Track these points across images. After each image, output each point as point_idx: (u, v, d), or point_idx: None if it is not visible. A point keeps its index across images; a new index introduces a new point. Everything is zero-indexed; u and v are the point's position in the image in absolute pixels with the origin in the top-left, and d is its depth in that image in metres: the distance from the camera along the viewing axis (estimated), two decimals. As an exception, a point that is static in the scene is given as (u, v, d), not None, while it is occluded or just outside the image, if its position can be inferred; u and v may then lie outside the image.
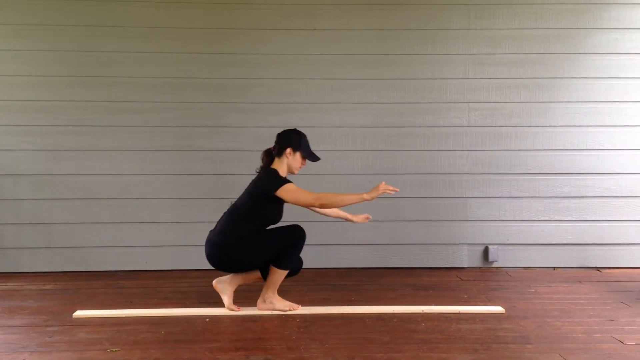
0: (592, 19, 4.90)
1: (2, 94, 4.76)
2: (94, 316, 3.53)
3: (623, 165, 4.91)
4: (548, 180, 4.92)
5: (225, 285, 3.61)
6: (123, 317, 3.50)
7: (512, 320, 3.45)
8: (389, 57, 4.89)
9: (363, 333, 3.20)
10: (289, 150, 3.56)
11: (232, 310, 3.57)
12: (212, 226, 3.62)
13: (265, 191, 3.47)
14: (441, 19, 4.89)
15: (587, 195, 4.91)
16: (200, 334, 3.21)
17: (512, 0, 4.89)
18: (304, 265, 3.69)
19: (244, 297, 3.71)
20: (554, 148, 4.91)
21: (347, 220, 3.82)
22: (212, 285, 3.68)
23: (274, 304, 3.57)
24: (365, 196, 3.47)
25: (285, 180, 3.50)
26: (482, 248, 4.94)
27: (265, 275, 3.57)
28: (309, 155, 3.61)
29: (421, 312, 3.59)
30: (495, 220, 4.93)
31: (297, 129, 3.66)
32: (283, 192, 3.45)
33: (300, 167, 3.62)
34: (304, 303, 3.71)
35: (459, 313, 3.58)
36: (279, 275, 3.50)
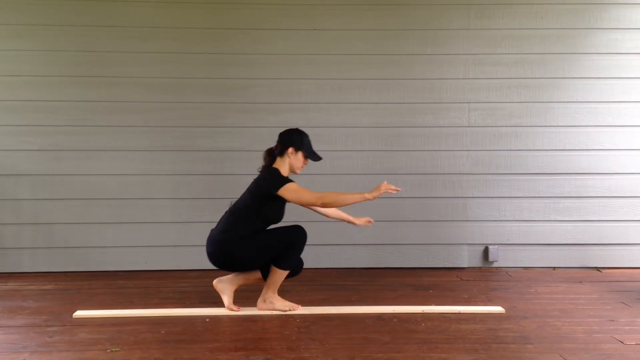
0: (592, 19, 4.90)
1: (2, 94, 4.76)
2: (94, 316, 3.53)
3: (623, 165, 4.91)
4: (548, 180, 4.92)
5: (225, 285, 3.61)
6: (123, 317, 3.50)
7: (512, 320, 3.45)
8: (389, 57, 4.89)
9: (363, 333, 3.20)
10: (291, 149, 3.56)
11: (232, 310, 3.57)
12: (212, 226, 3.62)
13: (267, 190, 3.47)
14: (441, 19, 4.89)
15: (587, 195, 4.91)
16: (201, 334, 3.21)
17: (512, 0, 4.89)
18: (304, 266, 3.69)
19: (244, 297, 3.71)
20: (554, 148, 4.91)
21: (348, 222, 3.81)
22: (212, 286, 3.68)
23: (274, 304, 3.57)
24: (367, 195, 3.47)
25: (287, 180, 3.50)
26: (482, 248, 4.94)
27: (265, 276, 3.57)
28: (311, 155, 3.61)
29: (421, 312, 3.59)
30: (496, 220, 4.93)
31: (299, 128, 3.66)
32: (285, 191, 3.45)
33: (302, 167, 3.62)
34: (304, 303, 3.71)
35: (459, 313, 3.58)
36: (279, 275, 3.50)
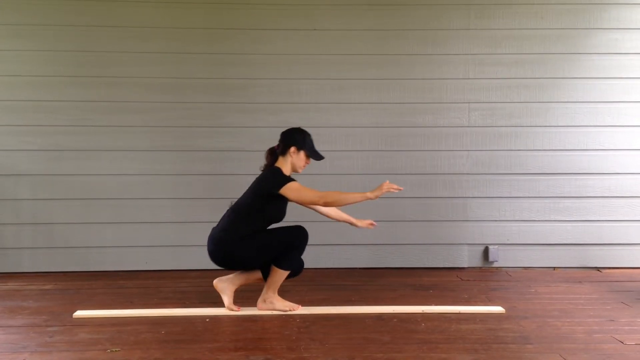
0: (592, 19, 4.90)
1: (3, 94, 4.76)
2: (94, 316, 3.53)
3: (623, 165, 4.91)
4: (548, 180, 4.92)
5: (226, 285, 3.61)
6: (123, 317, 3.50)
7: (512, 320, 3.45)
8: (389, 57, 4.90)
9: (363, 333, 3.20)
10: (293, 149, 3.56)
11: (232, 310, 3.57)
12: (212, 226, 3.62)
13: (269, 189, 3.47)
14: (441, 19, 4.89)
15: (587, 195, 4.91)
16: (201, 334, 3.21)
17: (512, 0, 4.89)
18: (304, 266, 3.69)
19: (244, 297, 3.71)
20: (554, 148, 4.91)
21: (350, 224, 3.80)
22: (212, 285, 3.68)
23: (274, 304, 3.57)
24: (369, 195, 3.47)
25: (289, 179, 3.50)
26: (482, 248, 4.94)
27: (266, 276, 3.57)
28: (313, 154, 3.61)
29: (421, 312, 3.59)
30: (496, 220, 4.93)
31: (302, 127, 3.66)
32: (287, 190, 3.45)
33: (304, 166, 3.62)
34: (304, 303, 3.71)
35: (459, 313, 3.58)
36: (279, 275, 3.50)
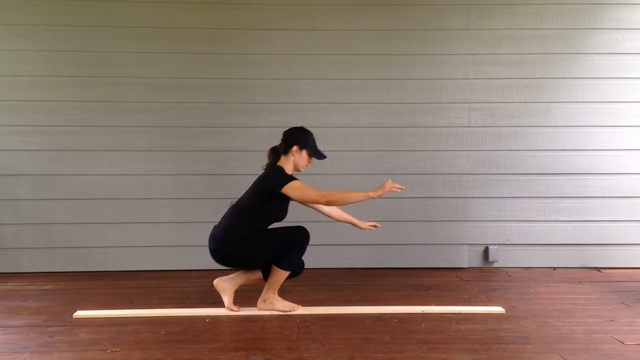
0: (592, 19, 4.90)
1: (3, 94, 4.76)
2: (95, 316, 3.53)
3: (623, 165, 4.91)
4: (548, 180, 4.92)
5: (226, 285, 3.61)
6: (123, 318, 3.50)
7: (512, 320, 3.45)
8: (389, 57, 4.89)
9: (363, 333, 3.20)
10: (295, 148, 3.56)
11: (232, 310, 3.57)
12: (212, 226, 3.62)
13: (271, 188, 3.47)
14: (441, 19, 4.89)
15: (588, 195, 4.91)
16: (201, 334, 3.21)
17: (512, 0, 4.89)
18: (305, 266, 3.69)
19: (244, 297, 3.71)
20: (554, 148, 4.91)
21: (353, 225, 3.79)
22: (212, 286, 3.68)
23: (274, 304, 3.57)
24: (372, 194, 3.47)
25: (291, 178, 3.50)
26: (482, 248, 4.94)
27: (266, 276, 3.57)
28: (315, 153, 3.61)
29: (421, 312, 3.59)
30: (496, 221, 4.93)
31: (304, 127, 3.66)
32: (289, 189, 3.45)
33: (306, 165, 3.62)
34: (304, 303, 3.71)
35: (459, 313, 3.58)
36: (280, 275, 3.50)
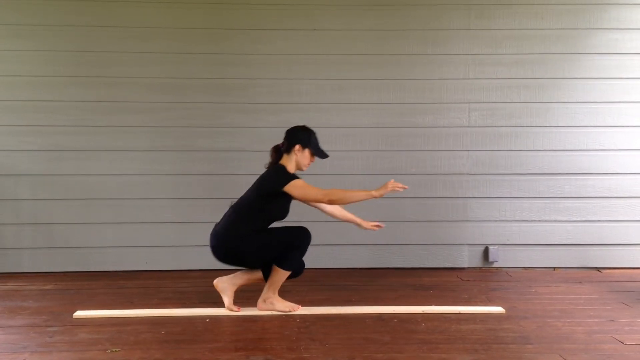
0: (592, 19, 4.90)
1: (3, 94, 4.76)
2: (95, 316, 3.53)
3: (623, 165, 4.91)
4: (548, 180, 4.91)
5: (226, 285, 3.61)
6: (123, 318, 3.50)
7: (513, 320, 3.45)
8: (389, 57, 4.89)
9: (363, 333, 3.20)
10: (297, 147, 3.55)
11: (232, 310, 3.57)
12: (212, 226, 3.62)
13: (273, 187, 3.47)
14: (441, 19, 4.89)
15: (588, 195, 4.91)
16: (201, 334, 3.21)
17: (512, 0, 4.89)
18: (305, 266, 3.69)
19: (244, 297, 3.70)
20: (554, 148, 4.91)
21: (355, 224, 3.78)
22: (212, 286, 3.68)
23: (274, 305, 3.56)
24: (374, 193, 3.47)
25: (293, 176, 3.50)
26: (482, 248, 4.94)
27: (267, 276, 3.57)
28: (318, 152, 3.61)
29: (421, 312, 3.59)
30: (496, 221, 4.93)
31: (306, 126, 3.66)
32: (291, 187, 3.45)
33: (308, 164, 3.61)
34: (304, 303, 3.71)
35: (459, 313, 3.58)
36: (281, 275, 3.50)
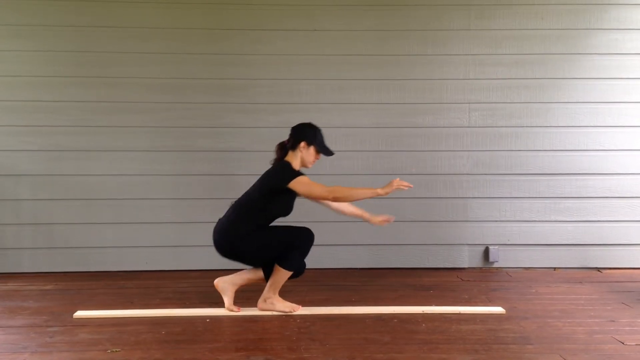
0: (592, 20, 4.90)
1: (3, 94, 4.76)
2: (95, 316, 3.53)
3: (624, 165, 4.91)
4: (549, 180, 4.91)
5: (227, 286, 3.61)
6: (124, 318, 3.50)
7: (513, 320, 3.44)
8: (389, 58, 4.89)
9: (363, 333, 3.20)
10: (303, 144, 3.55)
11: (232, 310, 3.57)
12: (212, 226, 3.61)
13: (278, 183, 3.47)
14: (442, 20, 4.89)
15: (588, 195, 4.91)
16: (201, 334, 3.21)
17: (513, 0, 4.89)
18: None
19: (244, 297, 3.70)
20: (554, 148, 4.91)
21: (364, 219, 3.76)
22: (212, 286, 3.68)
23: (274, 305, 3.56)
24: (379, 191, 3.47)
25: (298, 173, 3.49)
26: (482, 248, 4.94)
27: (268, 276, 3.56)
28: (323, 150, 3.60)
29: (421, 312, 3.59)
30: (496, 221, 4.92)
31: (312, 123, 3.65)
32: (296, 184, 3.44)
33: (313, 161, 3.61)
34: (304, 303, 3.71)
35: (460, 313, 3.58)
36: (282, 275, 3.49)
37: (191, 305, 3.76)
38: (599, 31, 4.91)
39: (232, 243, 3.49)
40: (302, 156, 3.56)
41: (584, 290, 4.22)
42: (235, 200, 3.61)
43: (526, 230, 4.92)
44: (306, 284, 4.23)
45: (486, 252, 4.92)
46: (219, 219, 3.60)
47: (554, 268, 4.93)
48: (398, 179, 3.49)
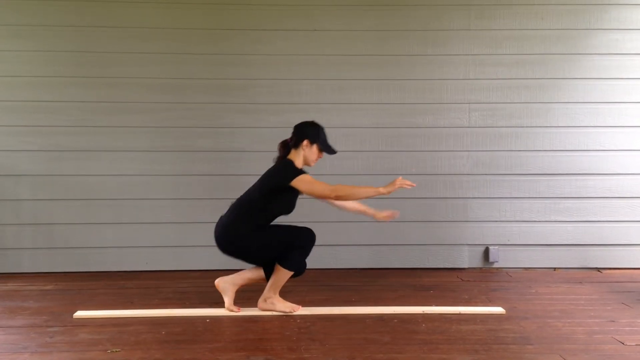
0: (592, 20, 4.90)
1: (3, 94, 4.76)
2: (95, 317, 3.53)
3: (624, 165, 4.91)
4: (549, 180, 4.91)
5: (227, 286, 3.61)
6: (124, 318, 3.50)
7: (513, 321, 3.44)
8: (389, 58, 4.89)
9: (363, 334, 3.20)
10: (305, 142, 3.55)
11: (232, 310, 3.57)
12: (213, 226, 3.61)
13: (280, 181, 3.46)
14: (442, 20, 4.89)
15: (588, 195, 4.91)
16: (201, 334, 3.21)
17: (513, 0, 4.89)
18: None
19: (244, 297, 3.70)
20: (554, 149, 4.91)
21: (367, 215, 3.75)
22: (212, 286, 3.68)
23: (274, 305, 3.56)
24: (382, 190, 3.47)
25: (300, 171, 3.49)
26: (482, 249, 4.94)
27: (268, 276, 3.56)
28: (326, 148, 3.60)
29: (422, 312, 3.59)
30: (496, 221, 4.92)
31: (315, 121, 3.65)
32: (299, 182, 3.44)
33: (316, 160, 3.61)
34: (304, 303, 3.71)
35: (460, 314, 3.58)
36: (283, 275, 3.49)
37: (191, 305, 3.76)
38: (599, 31, 4.91)
39: (232, 242, 3.49)
40: (305, 154, 3.57)
41: (584, 291, 4.22)
42: (238, 197, 3.61)
43: (526, 230, 4.92)
44: (306, 284, 4.23)
45: (486, 253, 4.92)
46: (221, 217, 3.60)
47: (554, 268, 4.93)
48: (401, 177, 3.49)
